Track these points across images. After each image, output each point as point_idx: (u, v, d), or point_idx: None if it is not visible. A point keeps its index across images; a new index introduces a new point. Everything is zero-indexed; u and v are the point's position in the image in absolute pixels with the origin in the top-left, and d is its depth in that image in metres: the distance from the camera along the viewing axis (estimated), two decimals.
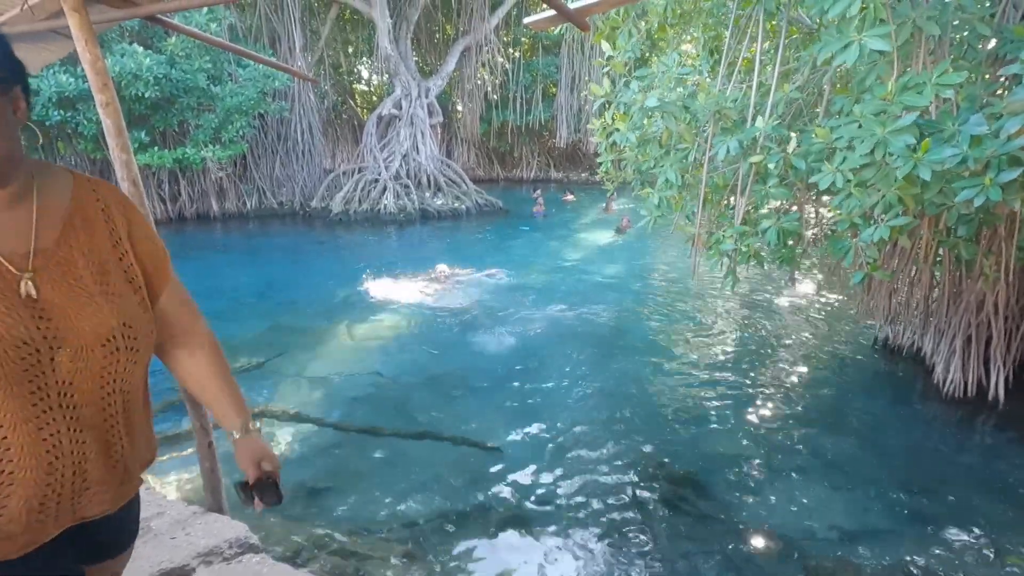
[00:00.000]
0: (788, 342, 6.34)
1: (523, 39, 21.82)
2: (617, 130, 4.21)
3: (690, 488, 3.83)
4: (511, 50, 21.73)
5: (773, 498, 3.72)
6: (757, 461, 4.12)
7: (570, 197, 18.19)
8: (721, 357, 5.96)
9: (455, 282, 8.46)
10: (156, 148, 12.10)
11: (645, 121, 3.89)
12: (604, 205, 16.09)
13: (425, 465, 4.04)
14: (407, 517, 3.48)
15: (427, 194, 15.31)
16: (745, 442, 4.36)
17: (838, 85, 3.83)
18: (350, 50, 22.07)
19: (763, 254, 3.71)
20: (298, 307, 7.64)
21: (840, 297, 7.63)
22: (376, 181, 14.96)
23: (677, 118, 3.64)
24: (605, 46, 3.75)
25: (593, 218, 15.33)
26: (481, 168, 23.49)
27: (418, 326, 6.96)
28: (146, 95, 10.81)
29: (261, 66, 12.55)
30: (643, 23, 4.76)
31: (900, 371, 5.57)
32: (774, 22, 4.05)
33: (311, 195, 15.63)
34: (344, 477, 3.88)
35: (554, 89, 21.71)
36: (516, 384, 5.32)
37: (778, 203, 3.98)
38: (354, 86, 23.36)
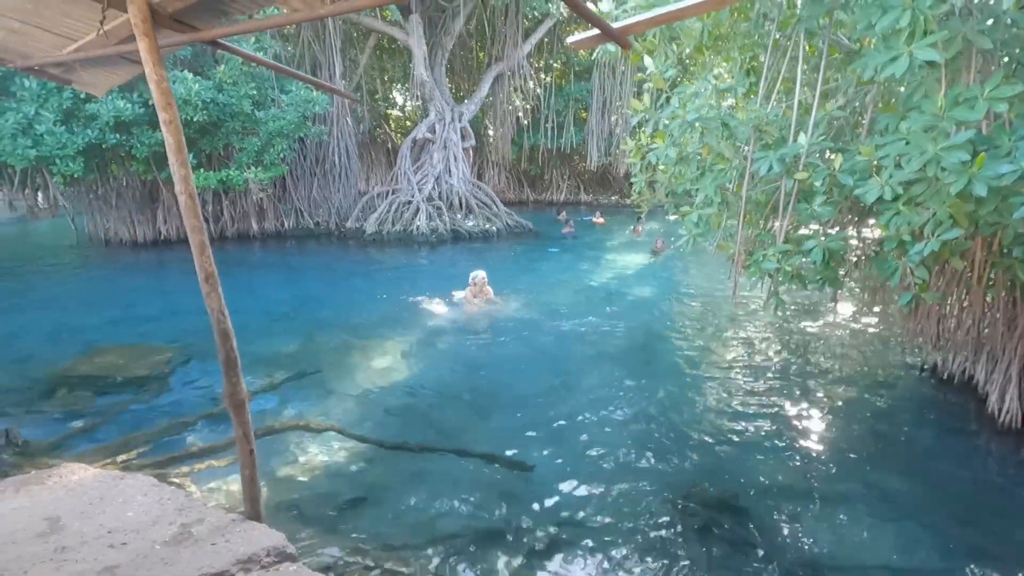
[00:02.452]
0: (830, 366, 6.14)
1: (555, 65, 22.21)
2: (655, 147, 4.21)
3: (728, 514, 3.70)
4: (543, 76, 22.12)
5: (817, 528, 3.56)
6: (799, 488, 3.96)
7: (599, 219, 18.22)
8: (760, 380, 5.80)
9: (486, 299, 8.48)
10: (202, 170, 12.63)
11: (683, 139, 3.89)
12: (633, 227, 16.05)
13: (457, 481, 4.02)
14: (439, 533, 3.45)
15: (459, 215, 15.53)
16: (786, 468, 4.21)
17: (881, 104, 3.77)
18: (386, 77, 22.80)
19: (805, 274, 3.63)
20: (333, 324, 7.78)
21: (885, 321, 7.37)
22: (409, 203, 15.26)
23: (717, 135, 3.63)
24: (648, 61, 3.79)
25: (622, 240, 15.29)
26: (511, 190, 23.75)
27: (449, 344, 6.99)
28: (195, 119, 11.33)
29: (303, 91, 13.04)
30: (675, 46, 4.79)
31: (950, 399, 5.32)
32: (814, 42, 4.03)
33: (346, 216, 16.01)
34: (377, 491, 3.88)
35: (585, 114, 21.94)
36: (548, 403, 5.27)
37: (821, 224, 3.90)
38: (388, 111, 24.05)
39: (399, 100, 24.66)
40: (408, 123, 23.68)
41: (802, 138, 3.24)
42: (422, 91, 16.57)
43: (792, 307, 8.23)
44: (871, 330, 7.34)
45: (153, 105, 9.03)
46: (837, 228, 4.44)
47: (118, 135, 11.14)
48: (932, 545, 3.41)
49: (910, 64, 2.65)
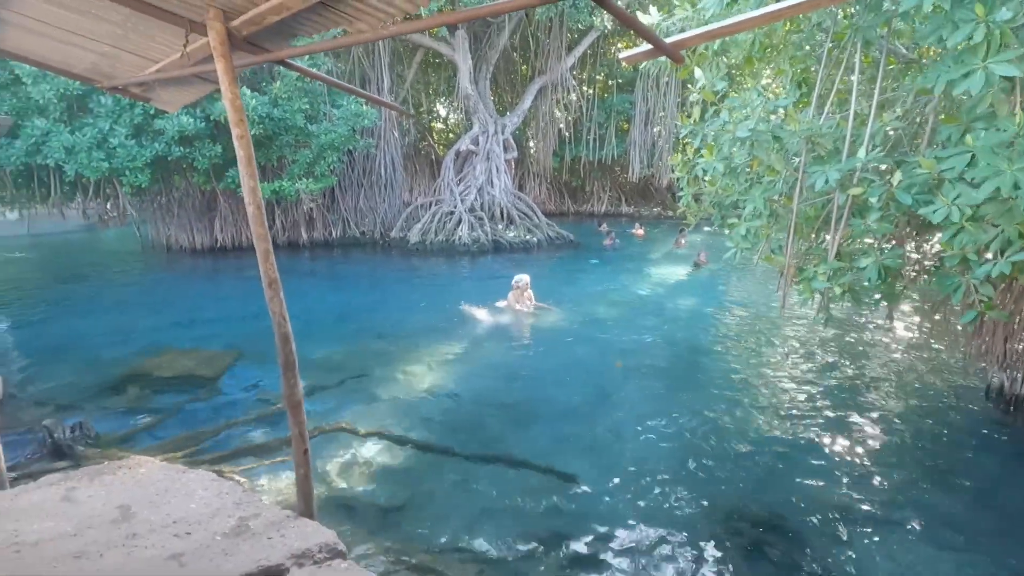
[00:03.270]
0: (886, 385, 5.89)
1: (598, 77, 22.25)
2: (701, 160, 4.19)
3: (777, 534, 3.61)
4: (585, 88, 22.19)
5: (871, 553, 3.43)
6: (852, 511, 3.82)
7: (640, 231, 18.06)
8: (810, 397, 5.62)
9: (529, 303, 8.57)
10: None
11: (733, 151, 3.86)
12: (675, 240, 15.84)
13: (498, 489, 4.06)
14: (482, 539, 3.49)
15: (500, 226, 15.68)
16: (838, 489, 4.07)
17: (943, 115, 3.65)
18: (430, 91, 23.36)
19: (859, 290, 3.52)
20: (378, 331, 7.97)
21: (946, 338, 7.03)
22: (452, 213, 15.52)
23: (767, 147, 3.58)
24: (698, 73, 3.77)
25: (664, 253, 15.10)
26: (552, 202, 23.82)
27: (491, 352, 7.06)
28: (252, 133, 11.88)
29: (352, 106, 13.49)
30: (725, 58, 4.76)
31: (1018, 423, 5.02)
32: (870, 52, 3.94)
33: (391, 226, 16.40)
34: (421, 495, 3.96)
35: (627, 125, 21.86)
36: (589, 414, 5.26)
37: (876, 238, 3.78)
38: (432, 124, 24.59)
39: (443, 112, 25.20)
40: (451, 135, 24.14)
41: (861, 152, 3.17)
42: (466, 104, 16.89)
43: (845, 322, 7.94)
44: (931, 347, 7.00)
45: (214, 120, 9.55)
46: (893, 242, 4.29)
47: (182, 148, 11.79)
48: None
49: (987, 80, 2.56)
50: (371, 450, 4.54)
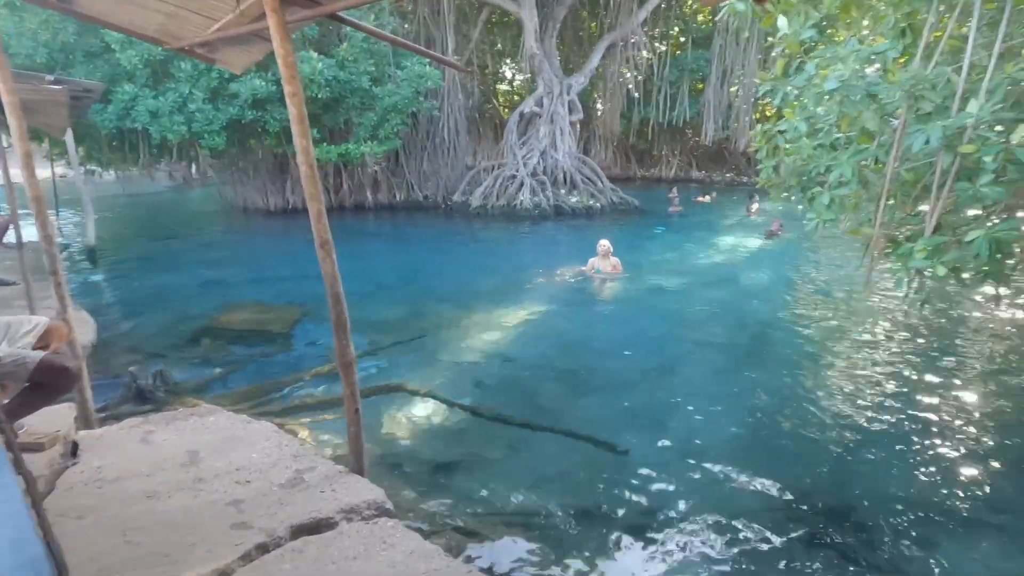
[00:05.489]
0: (982, 373, 5.34)
1: (672, 32, 21.00)
2: (782, 126, 3.79)
3: (844, 527, 3.37)
4: (657, 44, 21.01)
5: (954, 556, 3.13)
6: (935, 508, 3.50)
7: (704, 198, 17.21)
8: (893, 383, 5.19)
9: (613, 268, 8.46)
10: (324, 144, 13.52)
11: (819, 109, 3.45)
12: (747, 207, 14.94)
13: (549, 458, 4.02)
14: (530, 507, 3.48)
15: (562, 191, 15.38)
16: (919, 484, 3.74)
17: None
18: (495, 51, 22.88)
19: (961, 267, 3.11)
20: (438, 294, 8.07)
21: None
22: (514, 177, 15.34)
23: (860, 104, 3.18)
24: (781, 21, 3.37)
25: (734, 221, 14.32)
26: (618, 166, 23.09)
27: (549, 320, 6.98)
28: (319, 96, 12.10)
29: (416, 67, 13.42)
30: (812, 7, 4.25)
31: None
32: None
33: (453, 189, 16.46)
34: (470, 458, 3.99)
35: (701, 85, 20.61)
36: (647, 387, 5.10)
37: (984, 208, 3.32)
38: (497, 86, 24.19)
39: (507, 74, 24.73)
40: (516, 97, 23.69)
41: (972, 105, 2.74)
42: (531, 64, 16.43)
43: (939, 301, 7.24)
44: None
45: None
46: (1004, 214, 3.77)
47: (254, 111, 12.20)
48: None
49: None
50: (425, 411, 4.62)
